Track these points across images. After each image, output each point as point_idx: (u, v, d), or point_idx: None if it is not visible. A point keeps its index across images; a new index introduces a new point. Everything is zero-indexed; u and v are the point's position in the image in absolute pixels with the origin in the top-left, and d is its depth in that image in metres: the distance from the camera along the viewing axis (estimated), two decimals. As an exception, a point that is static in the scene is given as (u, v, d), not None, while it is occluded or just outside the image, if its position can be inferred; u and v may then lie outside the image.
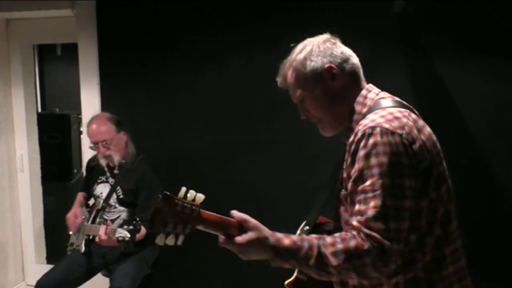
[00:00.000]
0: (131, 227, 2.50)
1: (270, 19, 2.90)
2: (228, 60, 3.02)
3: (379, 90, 1.39)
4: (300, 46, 1.41)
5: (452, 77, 2.64)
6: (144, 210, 2.70)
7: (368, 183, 1.18)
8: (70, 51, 4.14)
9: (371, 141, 1.18)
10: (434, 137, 1.30)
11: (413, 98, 2.68)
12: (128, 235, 2.47)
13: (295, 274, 1.53)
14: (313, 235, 1.25)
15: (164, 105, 3.19)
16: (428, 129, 1.30)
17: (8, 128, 3.64)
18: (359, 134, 1.22)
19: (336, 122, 1.39)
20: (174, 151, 3.20)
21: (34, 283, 2.72)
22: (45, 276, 2.71)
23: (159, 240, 1.25)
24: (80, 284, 2.80)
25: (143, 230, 2.57)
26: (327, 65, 1.34)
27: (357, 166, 1.21)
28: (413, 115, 1.29)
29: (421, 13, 2.65)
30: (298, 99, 1.41)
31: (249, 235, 1.23)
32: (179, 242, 1.27)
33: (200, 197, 1.28)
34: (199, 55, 3.07)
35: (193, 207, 1.26)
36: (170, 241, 1.26)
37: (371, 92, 1.37)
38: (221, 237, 1.26)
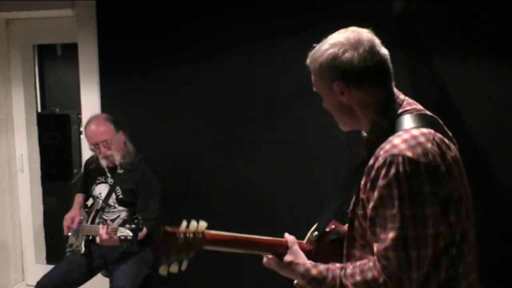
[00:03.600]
0: (133, 226, 2.49)
1: (270, 19, 2.91)
2: (228, 60, 3.03)
3: (403, 98, 1.33)
4: (325, 46, 1.31)
5: (452, 77, 2.64)
6: (144, 210, 2.71)
7: (388, 212, 1.16)
8: (70, 51, 4.14)
9: (392, 170, 1.15)
10: (458, 156, 1.26)
11: (413, 98, 2.68)
12: (131, 234, 2.47)
13: None
14: (338, 265, 1.30)
15: (164, 105, 3.19)
16: (452, 148, 1.25)
17: (8, 128, 3.64)
18: (380, 161, 1.18)
19: (346, 124, 1.40)
20: (174, 151, 3.20)
21: (34, 283, 2.72)
22: (46, 276, 2.70)
23: (162, 271, 1.29)
24: (80, 284, 2.79)
25: (144, 229, 2.57)
26: (336, 82, 1.30)
27: (377, 194, 1.18)
28: (438, 136, 1.22)
29: (421, 14, 2.66)
30: (316, 90, 1.40)
31: (286, 258, 1.39)
32: (183, 268, 1.30)
33: (203, 225, 1.32)
34: (199, 55, 3.07)
35: (196, 234, 1.30)
36: (174, 269, 1.29)
37: (395, 102, 1.31)
38: (267, 256, 1.43)
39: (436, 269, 1.20)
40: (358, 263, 1.26)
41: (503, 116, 2.60)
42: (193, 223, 1.32)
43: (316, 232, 1.45)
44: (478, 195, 2.56)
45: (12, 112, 3.67)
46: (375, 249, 1.20)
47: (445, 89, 2.65)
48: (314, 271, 1.31)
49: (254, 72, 2.98)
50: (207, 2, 3.01)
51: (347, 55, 1.27)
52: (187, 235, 1.29)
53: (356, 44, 1.28)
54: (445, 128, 1.33)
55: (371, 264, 1.21)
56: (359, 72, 1.27)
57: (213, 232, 1.34)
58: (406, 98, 1.35)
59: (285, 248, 1.40)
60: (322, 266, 1.31)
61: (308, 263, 1.35)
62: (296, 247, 1.40)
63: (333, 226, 1.47)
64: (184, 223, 1.31)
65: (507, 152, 2.60)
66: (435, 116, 1.33)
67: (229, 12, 2.98)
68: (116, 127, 2.81)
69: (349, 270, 1.25)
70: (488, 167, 2.64)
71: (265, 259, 1.45)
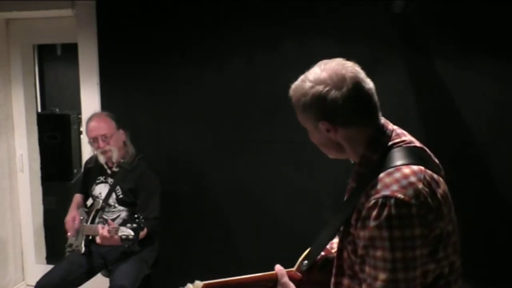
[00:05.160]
0: (134, 225, 2.48)
1: (270, 19, 2.91)
2: (228, 60, 3.03)
3: (392, 129, 1.31)
4: (307, 83, 1.27)
5: (452, 77, 2.64)
6: (144, 209, 2.71)
7: (379, 253, 1.15)
8: (70, 51, 4.14)
9: (385, 213, 1.14)
10: (446, 190, 1.25)
11: (413, 98, 2.68)
12: (132, 233, 2.45)
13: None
14: None
15: (164, 105, 3.19)
16: (441, 184, 1.24)
17: (8, 128, 3.64)
18: (372, 202, 1.16)
19: (333, 155, 1.40)
20: (174, 151, 3.20)
21: (34, 283, 2.72)
22: (45, 276, 2.70)
23: None
24: (80, 284, 2.79)
25: (145, 228, 2.56)
26: (321, 121, 1.28)
27: (368, 234, 1.17)
28: (428, 174, 1.20)
29: (421, 14, 2.66)
30: (301, 123, 1.38)
31: None
32: None
33: (198, 284, 1.42)
34: (200, 55, 3.07)
35: None
36: None
37: (384, 134, 1.29)
38: None
39: None
40: None
41: (503, 116, 2.60)
42: (189, 286, 1.40)
43: (306, 261, 1.44)
44: (478, 195, 2.58)
45: (12, 112, 3.67)
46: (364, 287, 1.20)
47: (445, 89, 2.65)
48: None
49: (254, 72, 2.98)
50: (207, 3, 3.01)
51: (331, 94, 1.23)
52: None
53: (339, 83, 1.23)
54: (433, 157, 1.31)
55: None
56: (344, 113, 1.24)
57: (207, 282, 1.42)
58: (395, 128, 1.32)
59: (275, 281, 1.42)
60: None
61: None
62: (285, 279, 1.41)
63: (322, 253, 1.46)
64: None
65: (507, 152, 2.60)
66: (424, 147, 1.31)
67: (229, 12, 2.98)
68: (117, 125, 2.84)
69: None
70: (488, 167, 2.64)
71: None
